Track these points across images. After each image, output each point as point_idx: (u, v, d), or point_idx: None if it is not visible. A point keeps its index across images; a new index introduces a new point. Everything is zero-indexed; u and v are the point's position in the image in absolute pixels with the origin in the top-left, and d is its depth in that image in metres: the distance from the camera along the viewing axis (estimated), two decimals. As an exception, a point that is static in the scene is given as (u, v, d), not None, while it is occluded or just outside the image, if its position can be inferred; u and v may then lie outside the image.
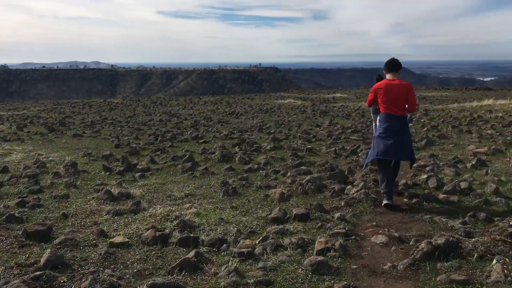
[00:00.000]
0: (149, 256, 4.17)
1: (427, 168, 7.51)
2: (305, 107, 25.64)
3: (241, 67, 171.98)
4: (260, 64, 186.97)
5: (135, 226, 5.05)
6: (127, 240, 4.50)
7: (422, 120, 16.24)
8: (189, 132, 13.74)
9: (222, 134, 12.84)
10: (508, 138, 11.12)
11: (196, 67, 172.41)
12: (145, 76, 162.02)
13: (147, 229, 4.71)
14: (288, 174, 7.48)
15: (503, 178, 6.89)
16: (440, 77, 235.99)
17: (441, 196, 5.87)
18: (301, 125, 15.76)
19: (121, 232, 4.81)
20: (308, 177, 6.72)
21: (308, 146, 10.32)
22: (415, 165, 7.29)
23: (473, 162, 7.91)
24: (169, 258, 4.14)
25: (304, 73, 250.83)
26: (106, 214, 5.49)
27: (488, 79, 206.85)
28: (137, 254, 4.20)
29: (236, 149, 10.28)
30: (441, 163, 7.95)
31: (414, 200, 5.75)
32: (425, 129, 13.47)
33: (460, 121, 15.57)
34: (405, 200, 5.88)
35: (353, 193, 6.04)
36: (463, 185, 6.16)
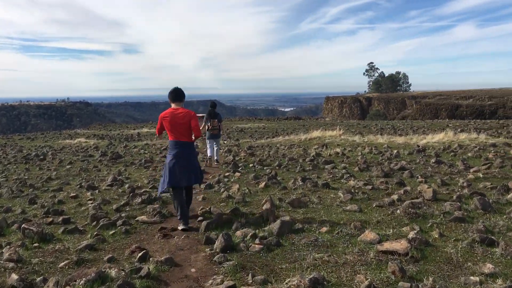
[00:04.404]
0: None
1: None
2: (97, 149, 19.03)
3: (46, 102, 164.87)
4: (68, 98, 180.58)
5: None
6: None
7: (251, 165, 11.47)
8: None
9: None
10: (394, 197, 6.88)
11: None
12: None
13: None
14: None
15: None
16: (248, 108, 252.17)
17: None
18: (63, 189, 9.28)
19: None
20: None
21: (24, 271, 4.10)
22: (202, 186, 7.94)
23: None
24: None
25: (117, 107, 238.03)
26: None
27: (288, 109, 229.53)
28: None
29: None
30: None
31: None
32: (263, 185, 8.45)
33: (301, 164, 11.29)
34: None
35: None
36: None
